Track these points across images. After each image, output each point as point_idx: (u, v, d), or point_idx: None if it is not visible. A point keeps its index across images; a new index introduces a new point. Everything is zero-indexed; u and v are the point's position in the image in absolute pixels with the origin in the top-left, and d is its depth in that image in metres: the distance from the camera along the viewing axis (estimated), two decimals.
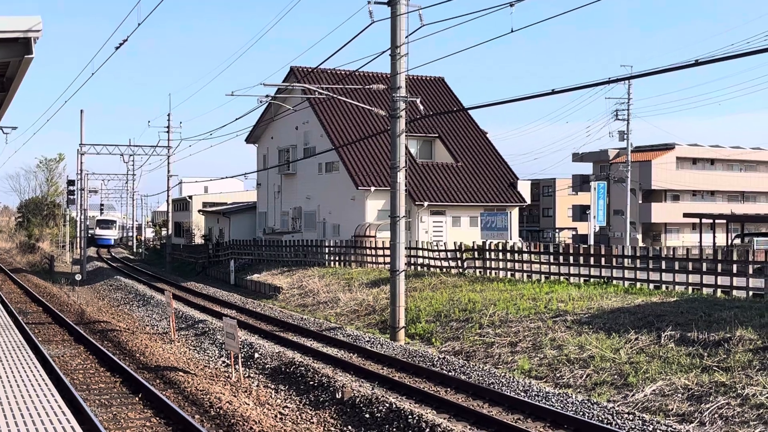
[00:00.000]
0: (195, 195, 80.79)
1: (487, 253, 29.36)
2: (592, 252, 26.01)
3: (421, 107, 23.42)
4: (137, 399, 14.73)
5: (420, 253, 33.20)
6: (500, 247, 29.03)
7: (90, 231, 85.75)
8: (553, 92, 17.42)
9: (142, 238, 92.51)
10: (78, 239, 64.44)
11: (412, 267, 32.28)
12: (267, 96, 28.82)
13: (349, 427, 13.29)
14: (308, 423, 13.64)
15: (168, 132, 56.59)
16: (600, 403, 13.74)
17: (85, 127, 51.31)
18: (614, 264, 24.59)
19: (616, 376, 15.29)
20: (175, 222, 76.95)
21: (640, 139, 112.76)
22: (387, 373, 16.81)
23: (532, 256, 28.09)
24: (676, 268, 22.48)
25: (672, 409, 13.32)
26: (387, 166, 36.75)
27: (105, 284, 41.35)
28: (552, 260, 27.46)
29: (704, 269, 21.81)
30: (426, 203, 41.42)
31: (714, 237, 43.95)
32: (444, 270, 30.82)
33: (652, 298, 20.58)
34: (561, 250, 27.73)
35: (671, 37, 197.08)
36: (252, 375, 17.53)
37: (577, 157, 77.42)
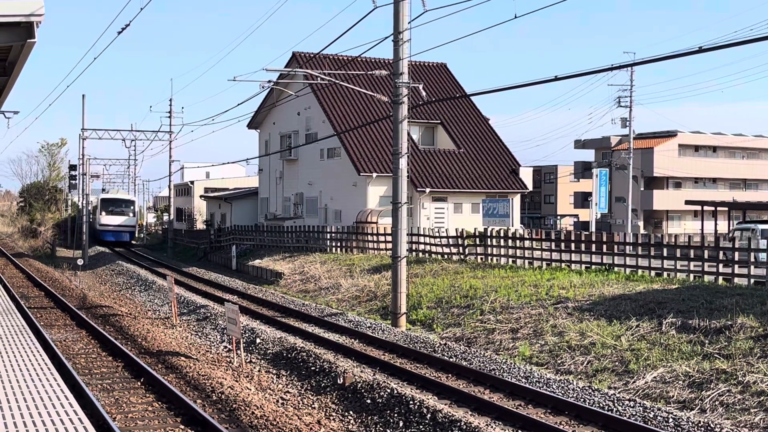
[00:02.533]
0: (197, 180, 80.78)
1: (489, 239, 29.37)
2: (593, 239, 26.01)
3: (424, 93, 23.36)
4: (139, 384, 14.76)
5: (421, 239, 33.21)
6: (502, 234, 29.04)
7: (92, 220, 63.13)
8: (556, 79, 17.39)
9: (144, 223, 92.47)
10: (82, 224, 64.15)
11: (414, 253, 32.30)
12: (269, 81, 28.76)
13: (351, 412, 13.33)
14: (310, 408, 13.67)
15: (170, 117, 56.56)
16: (601, 389, 13.77)
17: (87, 112, 51.38)
18: (616, 251, 24.60)
19: (617, 363, 15.32)
20: (176, 207, 76.99)
21: (643, 126, 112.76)
22: (388, 359, 16.85)
23: (534, 242, 28.10)
24: (678, 255, 22.50)
25: (673, 396, 13.36)
26: (389, 152, 36.75)
27: (107, 269, 41.40)
28: (553, 247, 27.46)
29: (706, 257, 21.82)
30: (428, 190, 41.41)
31: (716, 224, 43.93)
32: (445, 256, 30.84)
33: (654, 286, 20.60)
34: (562, 237, 27.73)
35: (674, 24, 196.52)
36: (254, 360, 17.57)
37: (579, 144, 77.28)
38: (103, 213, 61.57)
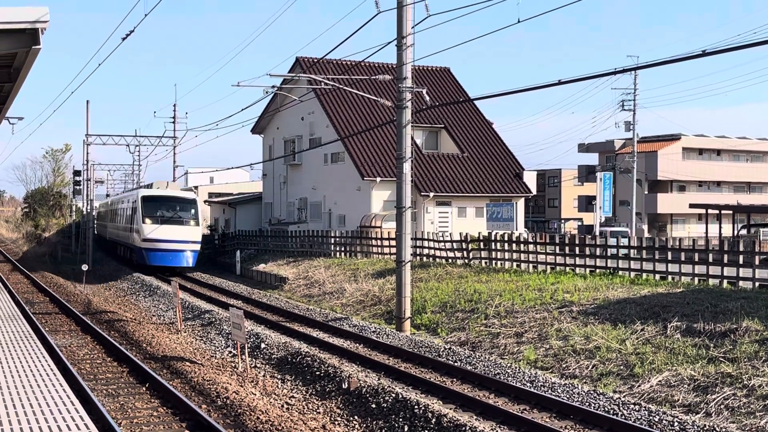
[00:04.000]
0: (201, 185, 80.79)
1: (493, 243, 29.36)
2: (597, 243, 25.99)
3: (427, 98, 23.36)
4: (144, 389, 14.78)
5: (426, 243, 33.21)
6: (506, 238, 29.03)
7: (123, 229, 43.76)
8: (560, 83, 17.40)
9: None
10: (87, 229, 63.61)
11: (418, 258, 32.30)
12: (273, 86, 28.82)
13: (356, 417, 13.33)
14: (315, 413, 13.67)
15: (174, 122, 56.61)
16: (606, 393, 13.76)
17: (91, 118, 51.28)
18: (620, 255, 24.57)
19: (622, 367, 15.31)
20: None
21: (646, 130, 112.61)
22: (393, 363, 16.85)
23: (538, 246, 28.09)
24: (682, 259, 22.47)
25: (678, 400, 13.34)
26: (393, 156, 36.77)
27: (111, 274, 41.44)
28: (558, 251, 27.45)
29: (710, 260, 21.80)
30: (432, 194, 41.41)
31: (720, 228, 43.83)
32: (450, 261, 30.83)
33: (658, 289, 20.58)
34: (567, 241, 27.73)
35: (677, 28, 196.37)
36: (258, 365, 17.58)
37: (583, 148, 77.26)
38: (148, 221, 37.58)
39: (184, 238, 37.38)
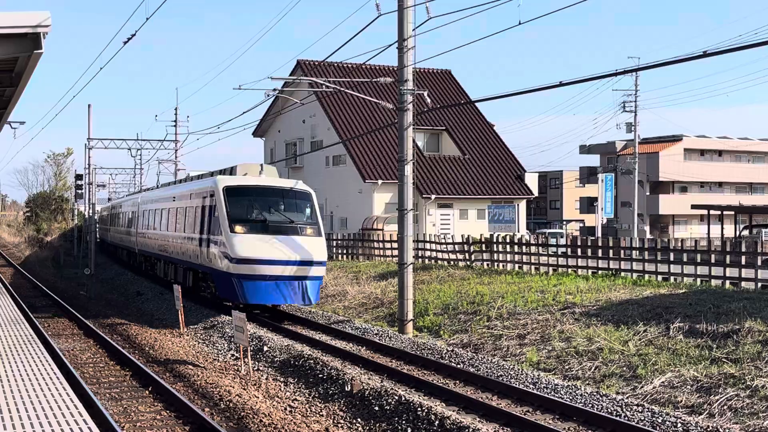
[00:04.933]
0: None
1: (495, 245, 29.37)
2: (599, 244, 25.99)
3: (429, 100, 23.36)
4: (147, 392, 14.78)
5: (428, 246, 33.22)
6: (507, 240, 29.04)
7: (179, 239, 27.93)
8: (561, 84, 17.42)
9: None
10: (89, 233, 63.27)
11: (420, 260, 32.30)
12: (274, 89, 28.81)
13: (359, 419, 13.32)
14: (317, 416, 13.67)
15: (175, 126, 56.61)
16: (609, 395, 13.75)
17: (92, 122, 51.44)
18: (622, 256, 24.58)
19: (624, 368, 15.30)
20: None
21: (648, 131, 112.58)
22: (396, 365, 16.84)
23: (540, 248, 28.10)
24: (685, 260, 22.49)
25: (681, 401, 13.34)
26: (394, 159, 36.79)
27: (113, 278, 41.45)
28: (560, 252, 27.44)
29: (713, 261, 21.80)
30: (433, 196, 41.43)
31: (722, 229, 43.81)
32: (452, 263, 30.84)
33: (661, 290, 20.58)
34: (568, 243, 27.72)
35: (678, 30, 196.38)
36: (261, 368, 17.57)
37: (585, 149, 77.30)
38: (239, 228, 22.92)
39: (303, 257, 22.68)
